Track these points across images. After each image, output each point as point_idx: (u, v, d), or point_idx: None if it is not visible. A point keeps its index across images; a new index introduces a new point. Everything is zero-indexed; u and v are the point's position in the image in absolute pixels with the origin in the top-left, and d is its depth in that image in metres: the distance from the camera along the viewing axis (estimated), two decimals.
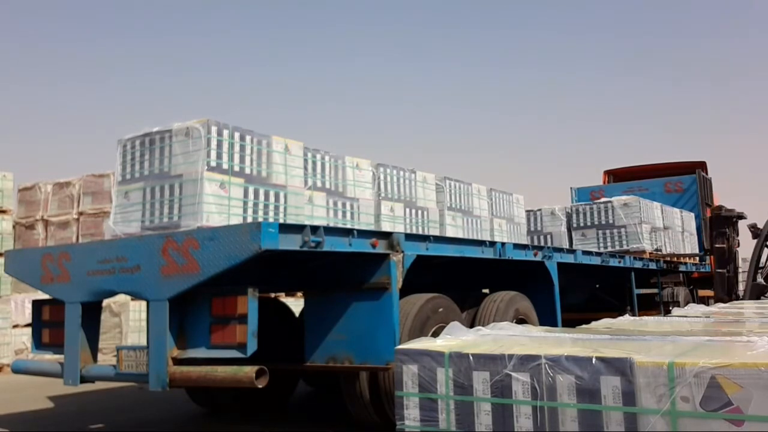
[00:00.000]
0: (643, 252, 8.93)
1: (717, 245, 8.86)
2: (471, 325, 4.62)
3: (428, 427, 2.89)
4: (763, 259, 9.46)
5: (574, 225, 9.43)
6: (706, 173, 12.38)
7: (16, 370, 4.86)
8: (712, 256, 8.94)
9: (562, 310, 6.26)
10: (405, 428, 2.94)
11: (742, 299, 8.08)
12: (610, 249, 8.95)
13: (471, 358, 2.82)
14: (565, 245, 8.89)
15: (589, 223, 9.35)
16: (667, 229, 9.78)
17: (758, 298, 8.23)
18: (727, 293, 8.65)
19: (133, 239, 4.00)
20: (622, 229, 9.08)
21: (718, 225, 8.94)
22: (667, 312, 7.73)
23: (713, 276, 8.88)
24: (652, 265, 8.91)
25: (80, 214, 7.93)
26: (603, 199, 9.72)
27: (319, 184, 4.64)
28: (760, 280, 8.85)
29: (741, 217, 9.42)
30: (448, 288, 5.04)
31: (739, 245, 9.36)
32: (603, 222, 9.25)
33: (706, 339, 3.02)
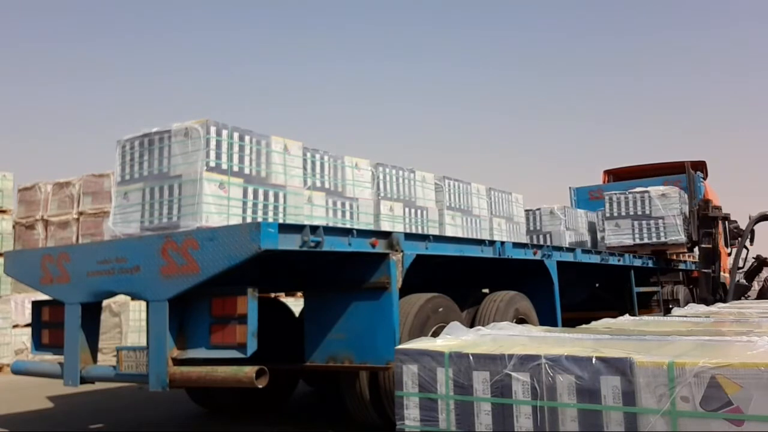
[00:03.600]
0: (681, 245, 8.54)
1: (703, 245, 8.65)
2: (471, 325, 4.62)
3: (428, 427, 2.89)
4: (742, 260, 9.40)
5: (608, 214, 8.99)
6: (706, 173, 12.38)
7: (16, 371, 4.85)
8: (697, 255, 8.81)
9: (562, 310, 6.25)
10: (405, 428, 2.94)
11: (725, 300, 7.98)
12: (646, 240, 8.63)
13: (471, 358, 2.82)
14: (565, 245, 8.88)
15: (623, 213, 8.86)
16: None
17: (739, 298, 8.13)
18: (712, 293, 8.54)
19: (132, 240, 4.00)
20: (660, 221, 8.67)
21: (705, 225, 8.71)
22: (667, 311, 7.71)
23: (699, 276, 8.72)
24: (651, 264, 8.90)
25: (80, 214, 7.91)
26: (639, 189, 9.15)
27: (318, 184, 4.64)
28: (741, 280, 8.77)
29: (726, 218, 9.27)
30: (448, 288, 5.03)
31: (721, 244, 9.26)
32: (639, 212, 8.79)
33: (706, 339, 3.02)
